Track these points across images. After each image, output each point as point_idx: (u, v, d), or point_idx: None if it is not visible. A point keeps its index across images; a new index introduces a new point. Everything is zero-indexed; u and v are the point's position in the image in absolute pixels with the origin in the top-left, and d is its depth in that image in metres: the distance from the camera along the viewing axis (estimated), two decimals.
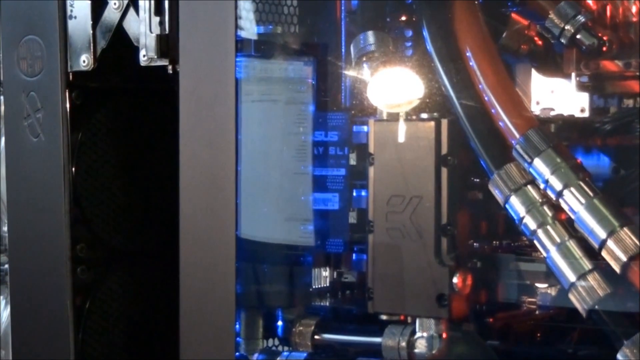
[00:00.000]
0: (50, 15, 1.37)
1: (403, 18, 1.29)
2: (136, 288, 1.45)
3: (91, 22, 1.35)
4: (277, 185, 1.33)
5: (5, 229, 1.43)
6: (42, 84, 1.38)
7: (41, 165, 1.39)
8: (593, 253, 1.09)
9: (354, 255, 1.31)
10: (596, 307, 1.09)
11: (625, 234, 1.07)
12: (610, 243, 1.07)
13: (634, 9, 1.18)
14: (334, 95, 1.34)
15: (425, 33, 1.20)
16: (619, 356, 1.06)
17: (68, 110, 1.37)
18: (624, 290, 1.08)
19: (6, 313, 1.45)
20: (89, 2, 1.35)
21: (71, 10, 1.36)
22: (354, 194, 1.30)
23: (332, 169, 1.33)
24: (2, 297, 1.47)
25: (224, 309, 1.24)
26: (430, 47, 1.20)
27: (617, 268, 1.07)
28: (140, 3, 1.30)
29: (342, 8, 1.34)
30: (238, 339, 1.30)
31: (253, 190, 1.28)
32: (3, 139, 1.42)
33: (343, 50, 1.32)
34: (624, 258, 1.06)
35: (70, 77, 1.37)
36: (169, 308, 1.28)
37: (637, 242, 1.06)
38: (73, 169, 1.37)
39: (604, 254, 1.07)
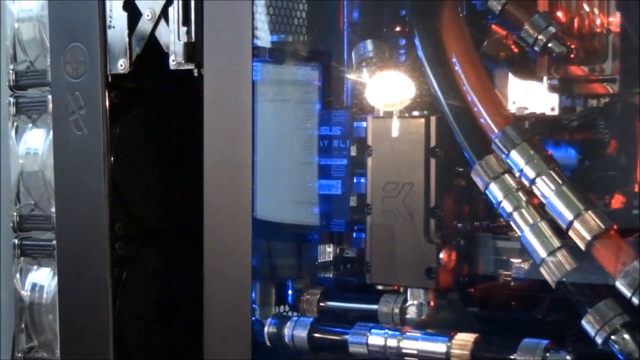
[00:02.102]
0: (92, 25, 1.37)
1: (398, 28, 1.29)
2: (166, 261, 1.46)
3: (127, 32, 1.35)
4: (288, 173, 1.34)
5: (53, 210, 1.43)
6: (85, 85, 1.38)
7: (84, 156, 1.39)
8: (561, 233, 1.09)
9: (354, 233, 1.32)
10: (564, 279, 1.09)
11: (590, 216, 1.07)
12: (576, 224, 1.07)
13: (598, 22, 1.18)
14: (337, 96, 1.34)
15: (417, 42, 1.20)
16: (583, 322, 1.06)
17: (107, 107, 1.37)
18: (588, 265, 1.08)
19: (54, 282, 1.44)
20: (126, 14, 1.35)
21: (110, 21, 1.36)
22: (354, 180, 1.30)
23: (336, 159, 1.33)
24: (50, 268, 1.47)
25: (242, 279, 1.25)
26: (421, 54, 1.19)
27: (582, 246, 1.07)
28: (170, 15, 1.30)
29: (345, 19, 1.34)
30: (254, 305, 1.30)
31: (267, 178, 1.28)
32: (51, 132, 1.42)
33: (345, 56, 1.32)
34: (588, 237, 1.06)
35: (109, 79, 1.37)
36: (195, 279, 1.28)
37: (600, 224, 1.06)
38: (112, 158, 1.38)
39: (571, 233, 1.08)
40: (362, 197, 1.26)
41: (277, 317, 1.30)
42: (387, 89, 1.22)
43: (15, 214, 1.50)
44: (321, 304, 1.31)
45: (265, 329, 1.29)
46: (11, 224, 1.50)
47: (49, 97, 1.43)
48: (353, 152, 1.30)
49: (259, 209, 1.25)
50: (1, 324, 1.78)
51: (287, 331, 1.27)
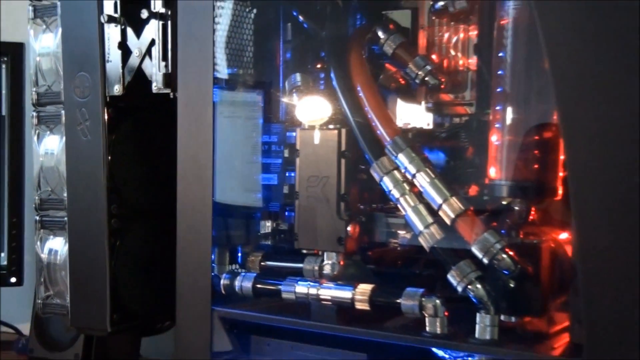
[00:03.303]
0: (94, 59, 1.36)
1: (319, 65, 1.30)
2: (150, 234, 1.45)
3: (121, 64, 1.35)
4: (239, 169, 1.33)
5: (65, 194, 1.42)
6: (89, 103, 1.37)
7: (88, 155, 1.38)
8: (433, 212, 1.11)
9: (286, 212, 1.31)
10: (435, 245, 1.11)
11: (454, 200, 1.09)
12: (444, 206, 1.09)
13: (460, 62, 1.20)
14: (275, 113, 1.34)
15: (332, 75, 1.21)
16: (448, 276, 1.09)
17: (106, 120, 1.36)
18: (452, 235, 1.10)
19: (65, 248, 1.44)
20: (120, 51, 1.34)
21: (108, 57, 1.36)
22: (287, 174, 1.30)
23: (273, 159, 1.33)
24: (62, 238, 1.46)
25: (204, 246, 1.25)
26: (335, 84, 1.20)
27: (448, 221, 1.09)
28: (153, 53, 1.31)
29: (281, 58, 1.34)
30: (213, 264, 1.29)
31: (224, 172, 1.27)
32: (64, 138, 1.41)
33: (281, 85, 1.32)
34: (452, 215, 1.09)
35: (108, 99, 1.36)
36: (171, 246, 1.28)
37: (461, 206, 1.09)
38: (109, 157, 1.37)
39: (440, 213, 1.10)
40: (292, 187, 1.25)
41: (230, 273, 1.29)
42: (311, 109, 1.22)
43: (36, 197, 1.48)
44: (262, 263, 1.30)
45: (221, 281, 1.29)
46: (34, 205, 1.49)
47: (63, 112, 1.41)
48: (286, 154, 1.30)
49: (218, 194, 1.25)
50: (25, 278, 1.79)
51: (237, 283, 1.27)
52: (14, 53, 1.78)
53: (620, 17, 0.89)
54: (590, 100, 0.91)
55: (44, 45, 1.48)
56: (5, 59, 1.77)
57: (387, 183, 1.14)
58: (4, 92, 1.77)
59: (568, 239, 1.07)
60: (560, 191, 1.06)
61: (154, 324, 1.53)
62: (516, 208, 1.08)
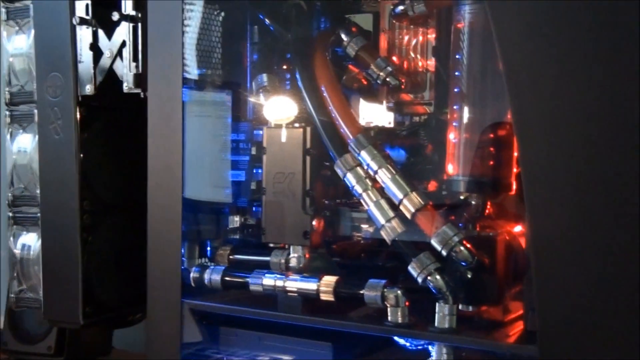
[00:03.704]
0: (67, 60, 1.35)
1: (284, 67, 1.30)
2: (121, 229, 1.45)
3: (93, 65, 1.34)
4: (209, 166, 1.32)
5: (38, 191, 1.41)
6: (61, 103, 1.36)
7: (61, 153, 1.37)
8: (395, 207, 1.11)
9: (254, 208, 1.31)
10: (396, 238, 1.12)
11: (414, 195, 1.10)
12: (405, 201, 1.10)
13: (420, 64, 1.21)
14: (242, 112, 1.33)
15: (297, 76, 1.21)
16: (409, 267, 1.09)
17: (78, 119, 1.36)
18: (412, 228, 1.10)
19: (38, 243, 1.43)
20: (92, 52, 1.34)
21: (80, 57, 1.35)
22: (254, 171, 1.30)
23: (241, 156, 1.32)
24: (35, 233, 1.45)
25: (174, 240, 1.25)
26: (300, 84, 1.20)
27: (408, 215, 1.10)
28: (124, 54, 1.30)
29: (248, 60, 1.34)
30: (183, 258, 1.28)
31: (194, 169, 1.27)
32: (37, 136, 1.40)
33: (248, 85, 1.31)
34: (412, 210, 1.10)
35: (79, 98, 1.36)
36: (143, 242, 1.27)
37: (420, 201, 1.09)
38: (81, 155, 1.36)
39: (401, 207, 1.10)
40: (259, 183, 1.25)
41: (199, 266, 1.29)
42: (277, 109, 1.22)
43: (10, 194, 1.47)
44: (231, 256, 1.30)
45: (191, 274, 1.28)
46: (7, 202, 1.48)
47: (35, 111, 1.40)
48: (253, 152, 1.29)
49: (188, 191, 1.25)
50: (1, 273, 1.76)
51: (206, 276, 1.26)
52: None
53: (572, 18, 0.90)
54: (542, 99, 0.93)
55: (17, 46, 1.47)
56: None
57: (350, 179, 1.15)
58: None
59: (522, 232, 1.09)
60: (514, 186, 1.07)
61: (126, 316, 1.52)
62: (473, 202, 1.09)
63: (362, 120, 1.23)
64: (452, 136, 1.10)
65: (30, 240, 1.48)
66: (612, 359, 0.90)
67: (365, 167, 1.13)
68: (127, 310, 1.49)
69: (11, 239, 1.49)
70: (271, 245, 1.25)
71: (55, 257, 1.41)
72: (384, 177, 1.12)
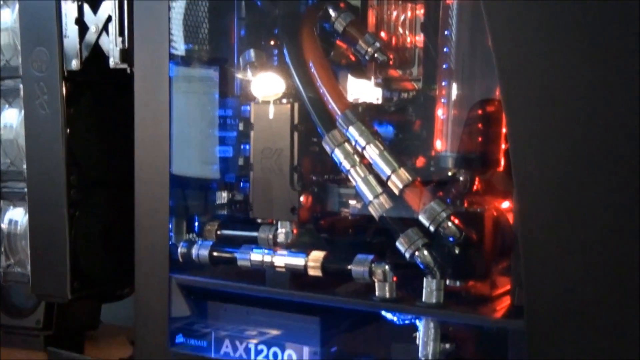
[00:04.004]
0: (52, 35, 1.33)
1: (272, 42, 1.28)
2: (109, 204, 1.43)
3: (78, 40, 1.32)
4: (196, 142, 1.30)
5: (24, 166, 1.39)
6: (47, 78, 1.34)
7: (47, 129, 1.35)
8: (382, 183, 1.10)
9: (241, 183, 1.30)
10: (384, 214, 1.11)
11: (401, 171, 1.09)
12: (392, 177, 1.09)
13: (408, 40, 1.20)
14: (230, 88, 1.31)
15: (285, 51, 1.19)
16: (397, 243, 1.08)
17: (64, 94, 1.34)
18: (400, 204, 1.09)
19: (25, 218, 1.41)
20: (77, 27, 1.32)
21: (65, 32, 1.33)
22: (242, 147, 1.28)
23: (229, 132, 1.31)
24: (22, 208, 1.43)
25: (162, 215, 1.24)
26: (288, 60, 1.18)
27: (396, 191, 1.09)
28: (110, 29, 1.28)
29: (235, 35, 1.31)
30: (171, 233, 1.27)
31: (181, 145, 1.25)
32: (23, 111, 1.38)
33: (236, 61, 1.29)
34: (400, 185, 1.08)
35: (65, 74, 1.34)
36: (131, 217, 1.26)
37: (408, 176, 1.08)
38: (67, 130, 1.34)
39: (389, 183, 1.09)
40: (247, 159, 1.24)
41: (187, 242, 1.28)
42: (265, 85, 1.21)
43: None
44: (218, 232, 1.29)
45: (179, 250, 1.27)
46: None
47: (21, 86, 1.38)
48: (241, 128, 1.27)
49: (175, 167, 1.23)
50: None
51: (194, 251, 1.26)
52: None
53: None
54: (530, 75, 0.91)
55: (2, 20, 1.44)
56: None
57: (338, 155, 1.13)
58: None
59: (510, 208, 1.07)
60: (502, 162, 1.06)
61: (114, 290, 1.51)
62: (461, 178, 1.08)
63: (350, 97, 1.22)
64: (440, 112, 1.08)
65: (18, 215, 1.46)
66: (599, 334, 0.90)
67: (353, 143, 1.12)
68: (115, 284, 1.48)
69: None
70: (259, 220, 1.24)
71: (42, 232, 1.39)
72: (372, 153, 1.10)
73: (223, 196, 1.32)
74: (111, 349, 1.57)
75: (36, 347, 1.63)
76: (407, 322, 1.11)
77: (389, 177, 1.09)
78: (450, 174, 1.09)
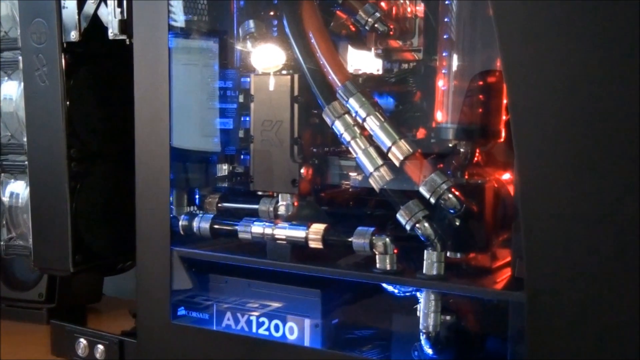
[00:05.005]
0: (51, 5, 1.33)
1: (272, 13, 1.27)
2: (110, 177, 1.44)
3: (77, 11, 1.32)
4: (197, 114, 1.30)
5: (24, 139, 1.40)
6: (46, 49, 1.34)
7: (47, 101, 1.36)
8: (383, 155, 1.10)
9: (242, 156, 1.30)
10: (385, 186, 1.11)
11: (402, 143, 1.09)
12: (393, 149, 1.09)
13: (409, 10, 1.19)
14: (230, 60, 1.31)
15: (285, 22, 1.19)
16: (397, 215, 1.09)
17: (63, 66, 1.34)
18: (401, 176, 1.10)
19: (27, 191, 1.42)
20: None
21: (64, 3, 1.33)
22: (242, 119, 1.28)
23: (229, 104, 1.31)
24: (23, 182, 1.44)
25: (163, 188, 1.24)
26: (288, 31, 1.18)
27: (397, 163, 1.09)
28: (109, 0, 1.28)
29: (235, 5, 1.31)
30: (172, 206, 1.27)
31: (182, 118, 1.25)
32: (22, 83, 1.38)
33: (235, 32, 1.29)
34: (401, 157, 1.08)
35: (64, 45, 1.34)
36: (132, 190, 1.26)
37: (409, 148, 1.08)
38: (67, 102, 1.35)
39: (390, 155, 1.09)
40: (247, 131, 1.24)
41: (188, 214, 1.28)
42: (265, 56, 1.20)
43: None
44: (219, 204, 1.29)
45: (180, 222, 1.27)
46: None
47: (20, 58, 1.38)
48: (241, 99, 1.27)
49: (175, 139, 1.23)
50: None
51: (195, 224, 1.26)
52: None
53: None
54: (532, 46, 0.91)
55: None
56: None
57: (338, 127, 1.13)
58: None
59: (510, 180, 1.08)
60: (503, 134, 1.06)
61: (116, 264, 1.52)
62: (461, 150, 1.08)
63: (350, 68, 1.21)
64: (441, 83, 1.08)
65: (19, 188, 1.47)
66: (598, 306, 0.90)
67: (354, 115, 1.12)
68: (117, 258, 1.49)
69: None
70: (259, 193, 1.24)
71: (43, 205, 1.40)
72: (373, 124, 1.10)
73: (223, 169, 1.32)
74: (114, 322, 1.58)
75: (39, 320, 1.65)
76: (407, 294, 1.12)
77: (389, 149, 1.09)
78: (450, 145, 1.09)
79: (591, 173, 0.90)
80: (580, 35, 0.89)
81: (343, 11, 1.21)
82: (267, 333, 1.21)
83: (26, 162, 1.41)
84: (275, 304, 1.22)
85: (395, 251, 1.10)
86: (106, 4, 1.29)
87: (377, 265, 1.10)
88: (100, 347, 1.39)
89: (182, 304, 1.28)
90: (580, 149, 0.90)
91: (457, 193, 1.06)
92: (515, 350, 1.02)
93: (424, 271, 1.07)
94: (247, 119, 1.24)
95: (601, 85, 0.88)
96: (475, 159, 1.09)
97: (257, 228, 1.20)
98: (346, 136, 1.13)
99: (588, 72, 0.89)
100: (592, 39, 0.88)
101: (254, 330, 1.23)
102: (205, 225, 1.25)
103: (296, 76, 1.18)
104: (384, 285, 1.13)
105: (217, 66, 1.31)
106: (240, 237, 1.22)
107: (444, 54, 1.08)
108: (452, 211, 1.06)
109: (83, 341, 1.42)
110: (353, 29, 1.21)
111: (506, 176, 1.10)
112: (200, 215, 1.27)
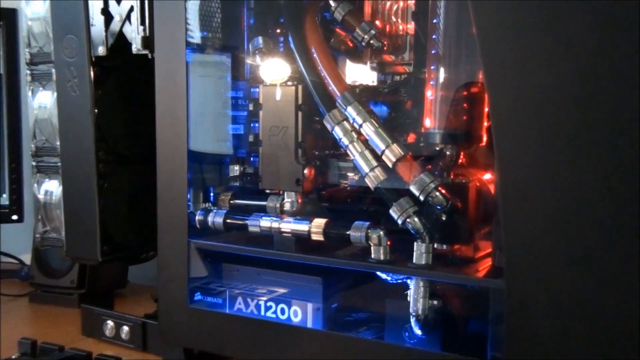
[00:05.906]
0: (80, 24, 1.33)
1: (278, 30, 1.28)
2: (133, 176, 1.44)
3: (104, 28, 1.32)
4: (211, 121, 1.30)
5: (58, 143, 1.40)
6: (76, 63, 1.35)
7: (77, 109, 1.36)
8: (378, 157, 1.11)
9: (252, 158, 1.30)
10: (379, 185, 1.12)
11: (394, 147, 1.10)
12: (386, 151, 1.10)
13: (401, 27, 1.20)
14: (241, 72, 1.32)
15: (290, 38, 1.19)
16: (390, 211, 1.10)
17: (92, 78, 1.34)
18: (393, 176, 1.11)
19: (60, 189, 1.42)
20: (103, 17, 1.32)
21: (92, 21, 1.33)
22: (252, 125, 1.28)
23: (240, 112, 1.31)
24: (57, 180, 1.44)
25: (181, 187, 1.25)
26: (293, 46, 1.18)
27: (390, 165, 1.10)
28: (132, 18, 1.28)
29: (245, 24, 1.32)
30: (189, 203, 1.27)
31: (198, 124, 1.25)
32: (55, 93, 1.38)
33: (246, 47, 1.30)
34: (394, 159, 1.09)
35: (93, 59, 1.34)
36: (153, 188, 1.27)
37: (401, 151, 1.09)
38: (96, 110, 1.35)
39: (383, 157, 1.10)
40: (257, 136, 1.24)
41: (203, 210, 1.29)
42: (272, 69, 1.21)
43: (33, 145, 1.46)
44: (231, 201, 1.30)
45: (196, 217, 1.28)
46: (30, 152, 1.47)
47: (53, 70, 1.38)
48: (251, 108, 1.28)
49: (192, 143, 1.24)
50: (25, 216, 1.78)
51: (210, 219, 1.27)
52: (8, 18, 1.75)
53: None
54: (510, 60, 0.92)
55: (35, 10, 1.44)
56: (1, 23, 1.73)
57: (338, 132, 1.14)
58: (1, 52, 1.73)
59: (491, 179, 1.09)
60: (484, 138, 1.07)
61: (139, 254, 1.53)
62: (448, 153, 1.09)
63: (349, 79, 1.22)
64: (429, 93, 1.09)
65: (53, 187, 1.47)
66: (568, 289, 0.91)
67: (351, 122, 1.13)
68: (140, 249, 1.49)
69: (35, 185, 1.48)
70: (267, 191, 1.25)
71: (74, 202, 1.40)
72: (368, 130, 1.11)
73: (235, 169, 1.33)
74: (137, 306, 1.59)
75: (71, 305, 1.66)
76: (399, 281, 1.13)
77: (383, 152, 1.10)
78: (438, 149, 1.10)
79: (566, 171, 0.90)
80: (558, 49, 0.89)
81: (342, 29, 1.22)
82: (274, 316, 1.22)
83: (59, 164, 1.41)
84: (281, 290, 1.23)
85: (388, 243, 1.10)
86: (130, 22, 1.29)
87: (372, 256, 1.11)
88: (126, 328, 1.41)
89: (198, 289, 1.29)
90: (554, 151, 0.90)
91: (443, 191, 1.07)
92: (495, 331, 1.03)
93: (414, 261, 1.08)
94: (256, 125, 1.25)
95: (579, 91, 0.88)
96: (460, 160, 1.10)
97: (265, 222, 1.21)
98: (345, 140, 1.14)
99: (565, 84, 0.89)
100: (569, 52, 0.88)
101: (262, 313, 1.23)
102: (219, 219, 1.26)
103: (300, 87, 1.19)
104: (378, 273, 1.14)
105: (230, 78, 1.32)
106: (250, 231, 1.23)
107: (432, 67, 1.09)
108: (439, 207, 1.07)
109: (110, 323, 1.43)
110: (351, 44, 1.22)
111: (487, 176, 1.10)
112: (215, 210, 1.28)
